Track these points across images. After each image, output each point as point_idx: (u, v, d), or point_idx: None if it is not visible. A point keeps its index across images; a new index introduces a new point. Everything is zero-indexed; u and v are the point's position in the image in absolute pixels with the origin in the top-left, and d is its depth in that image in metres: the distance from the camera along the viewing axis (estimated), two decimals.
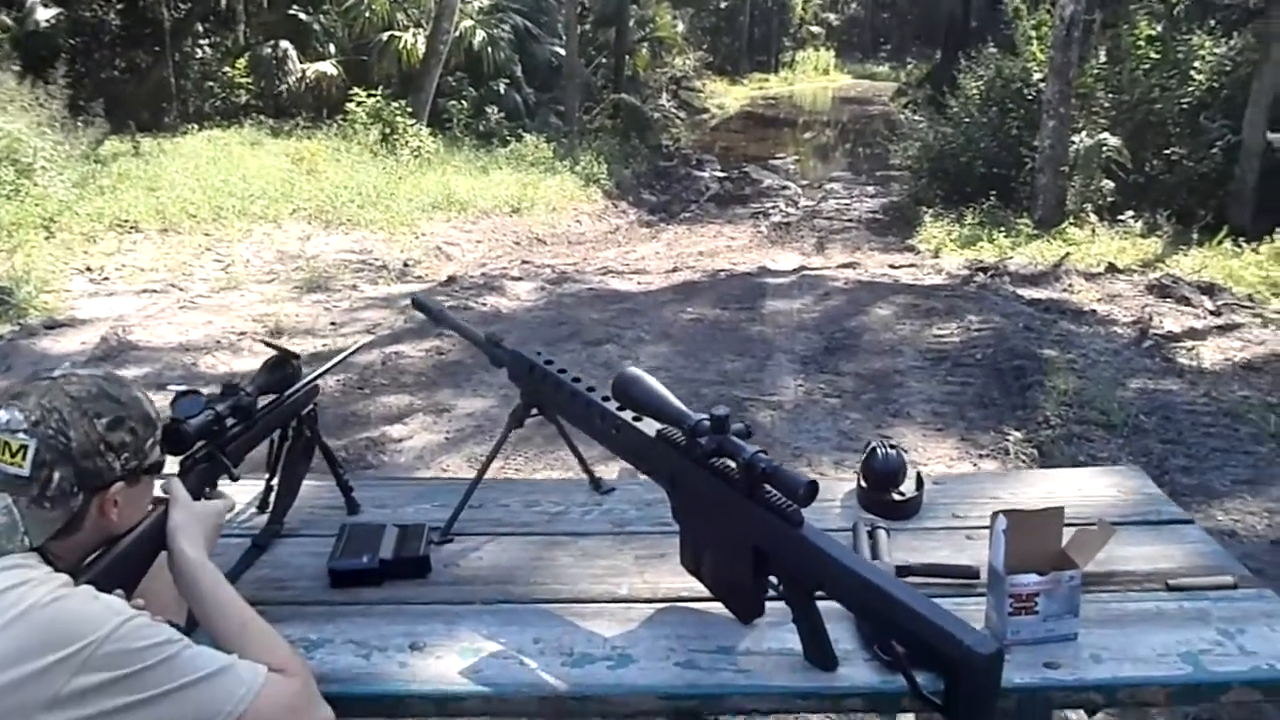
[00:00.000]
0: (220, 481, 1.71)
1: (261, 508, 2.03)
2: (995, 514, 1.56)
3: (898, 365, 6.08)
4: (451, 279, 8.48)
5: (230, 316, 6.83)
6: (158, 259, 8.66)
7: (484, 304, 7.35)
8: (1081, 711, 1.73)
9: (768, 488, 1.50)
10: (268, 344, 2.00)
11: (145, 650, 1.27)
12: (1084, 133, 12.78)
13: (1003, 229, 11.66)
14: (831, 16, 47.53)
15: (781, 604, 1.57)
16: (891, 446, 2.05)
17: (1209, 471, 4.39)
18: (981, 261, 9.83)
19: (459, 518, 1.96)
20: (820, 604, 1.52)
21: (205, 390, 1.74)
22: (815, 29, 46.50)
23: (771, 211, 15.62)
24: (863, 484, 2.03)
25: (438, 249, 10.37)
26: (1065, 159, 12.29)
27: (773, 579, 1.56)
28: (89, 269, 8.16)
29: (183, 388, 1.77)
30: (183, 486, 1.57)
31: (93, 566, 1.43)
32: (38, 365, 5.79)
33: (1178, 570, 1.76)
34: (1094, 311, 7.44)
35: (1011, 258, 10.05)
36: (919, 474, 2.05)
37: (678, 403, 1.61)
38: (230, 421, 1.72)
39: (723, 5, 38.40)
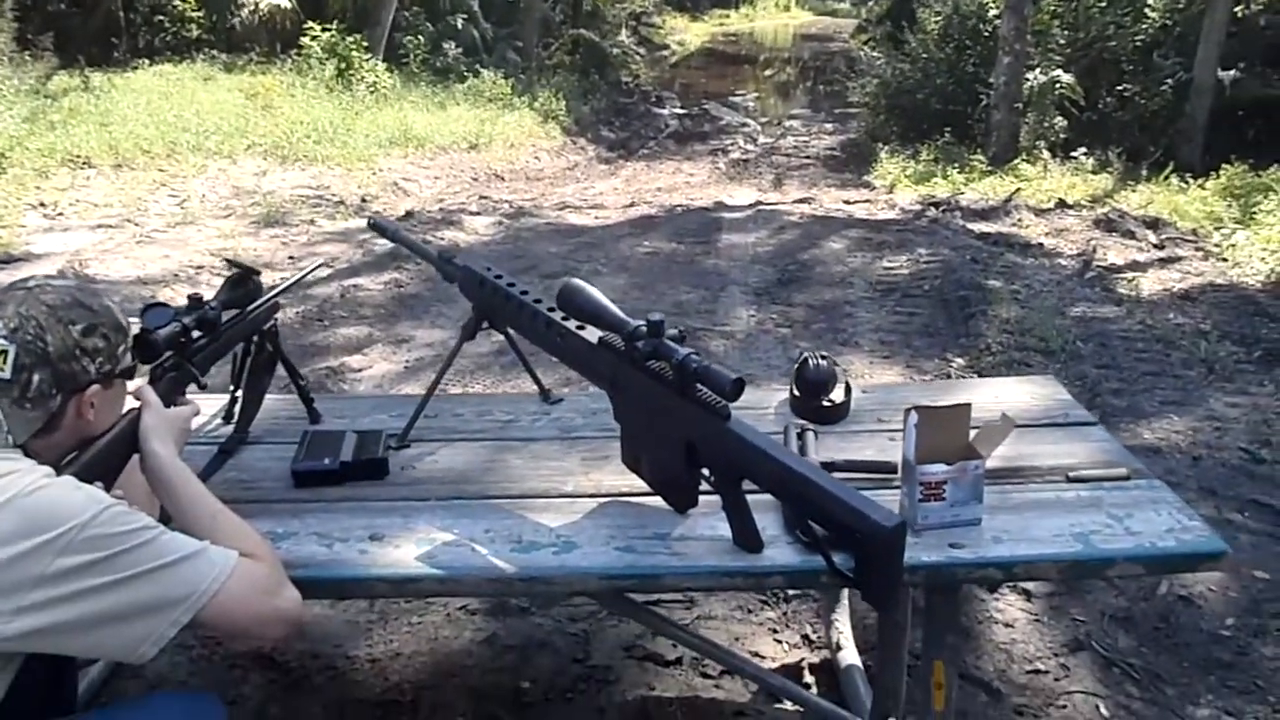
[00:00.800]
0: (188, 391, 1.82)
1: (227, 419, 2.14)
2: (907, 410, 1.70)
3: (848, 296, 6.23)
4: (409, 214, 8.51)
5: (187, 251, 6.84)
6: (112, 195, 8.61)
7: (441, 238, 7.42)
8: (1005, 598, 1.88)
9: (699, 386, 1.63)
10: (230, 262, 2.09)
11: (124, 535, 1.38)
12: (1039, 70, 12.90)
13: (957, 165, 11.81)
14: None
15: (714, 498, 1.71)
16: (822, 357, 2.19)
17: (1139, 394, 4.58)
18: (934, 197, 9.98)
19: (415, 426, 2.08)
20: (749, 497, 1.66)
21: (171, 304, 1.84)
22: None
23: (730, 148, 15.67)
24: (795, 392, 2.17)
25: (395, 185, 10.37)
26: (1020, 96, 12.43)
27: (705, 471, 1.70)
28: (42, 204, 8.10)
29: (140, 321, 1.87)
30: (154, 392, 1.67)
31: (72, 463, 1.53)
32: None
33: (1078, 465, 1.91)
34: (1041, 245, 7.61)
35: (964, 193, 10.21)
36: (847, 383, 2.19)
37: (618, 311, 1.73)
38: (196, 334, 1.81)
39: None
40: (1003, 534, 1.69)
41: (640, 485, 1.82)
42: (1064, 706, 2.61)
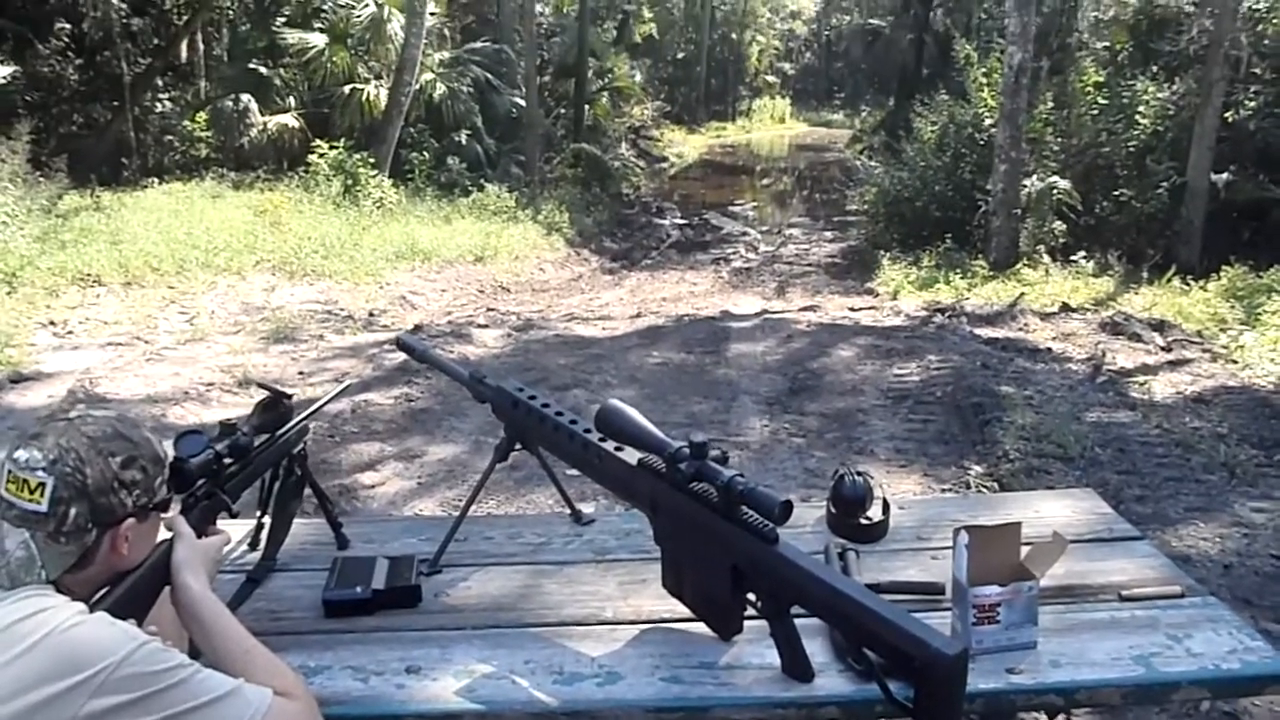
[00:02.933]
0: (219, 518, 1.78)
1: (253, 545, 2.09)
2: (957, 530, 1.66)
3: (860, 404, 6.21)
4: (418, 327, 8.55)
5: (197, 368, 6.85)
6: (122, 312, 8.66)
7: (451, 352, 7.42)
8: (1044, 715, 1.82)
9: (744, 509, 1.59)
10: (261, 385, 2.07)
11: (159, 674, 1.34)
12: (1035, 176, 13.11)
13: (959, 271, 11.91)
14: (786, 66, 48.38)
15: (759, 622, 1.66)
16: (858, 473, 2.15)
17: (1163, 500, 4.53)
18: (939, 303, 10.04)
19: (446, 550, 2.03)
20: (796, 620, 1.61)
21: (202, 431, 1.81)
22: (770, 78, 47.28)
23: (732, 257, 15.84)
24: (832, 509, 2.13)
25: (402, 298, 10.44)
26: (1018, 202, 12.59)
27: (750, 596, 1.65)
28: (52, 323, 8.14)
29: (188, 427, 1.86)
30: (186, 523, 1.64)
31: (105, 599, 1.49)
32: (4, 419, 5.79)
33: (1129, 582, 1.86)
34: (1049, 349, 7.62)
35: (968, 298, 10.27)
36: (885, 500, 2.15)
37: (658, 432, 1.71)
38: (228, 460, 1.79)
39: (679, 56, 39.04)
40: (1060, 657, 1.64)
41: (681, 610, 1.77)
42: None
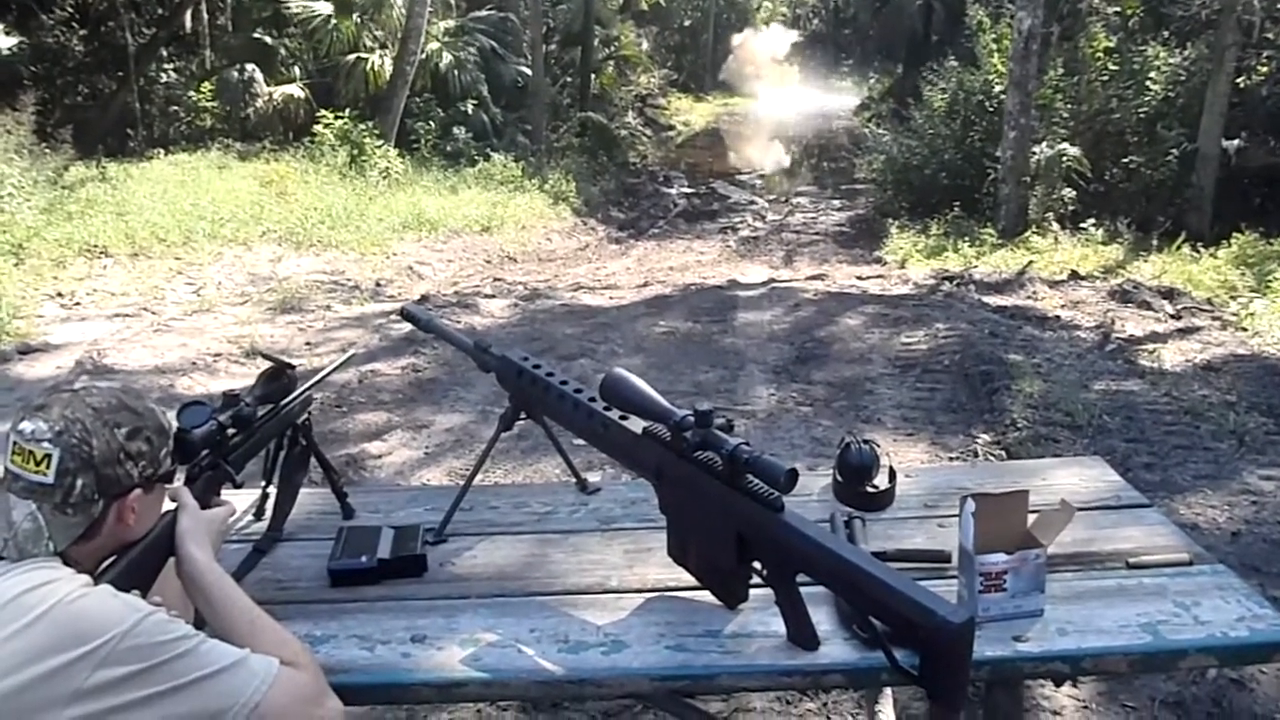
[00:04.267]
0: (223, 489, 1.78)
1: (258, 515, 2.09)
2: (964, 498, 1.65)
3: (868, 373, 6.19)
4: (424, 298, 8.54)
5: (204, 339, 6.85)
6: (129, 283, 8.65)
7: (458, 322, 7.41)
8: (1050, 683, 1.81)
9: (750, 477, 1.58)
10: (264, 355, 2.06)
11: (164, 644, 1.34)
12: (1045, 143, 13.01)
13: (967, 239, 11.85)
14: (794, 33, 47.98)
15: (764, 591, 1.65)
16: (864, 442, 2.14)
17: (1171, 468, 4.51)
18: (947, 271, 10.00)
19: (451, 520, 2.03)
20: (801, 589, 1.61)
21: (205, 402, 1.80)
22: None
23: (739, 226, 15.78)
24: (838, 478, 2.12)
25: (409, 268, 10.43)
26: (1027, 169, 12.51)
27: (756, 564, 1.65)
28: (60, 294, 8.14)
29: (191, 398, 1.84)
30: (190, 494, 1.64)
31: (109, 570, 1.49)
32: (13, 390, 5.80)
33: (1137, 550, 1.86)
34: (1058, 317, 7.58)
35: (976, 266, 10.23)
36: (891, 468, 2.14)
37: (663, 401, 1.70)
38: (232, 431, 1.78)
39: (686, 23, 38.71)
40: (1067, 625, 1.63)
41: (687, 579, 1.77)
42: None
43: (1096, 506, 2.04)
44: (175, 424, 1.66)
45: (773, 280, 9.88)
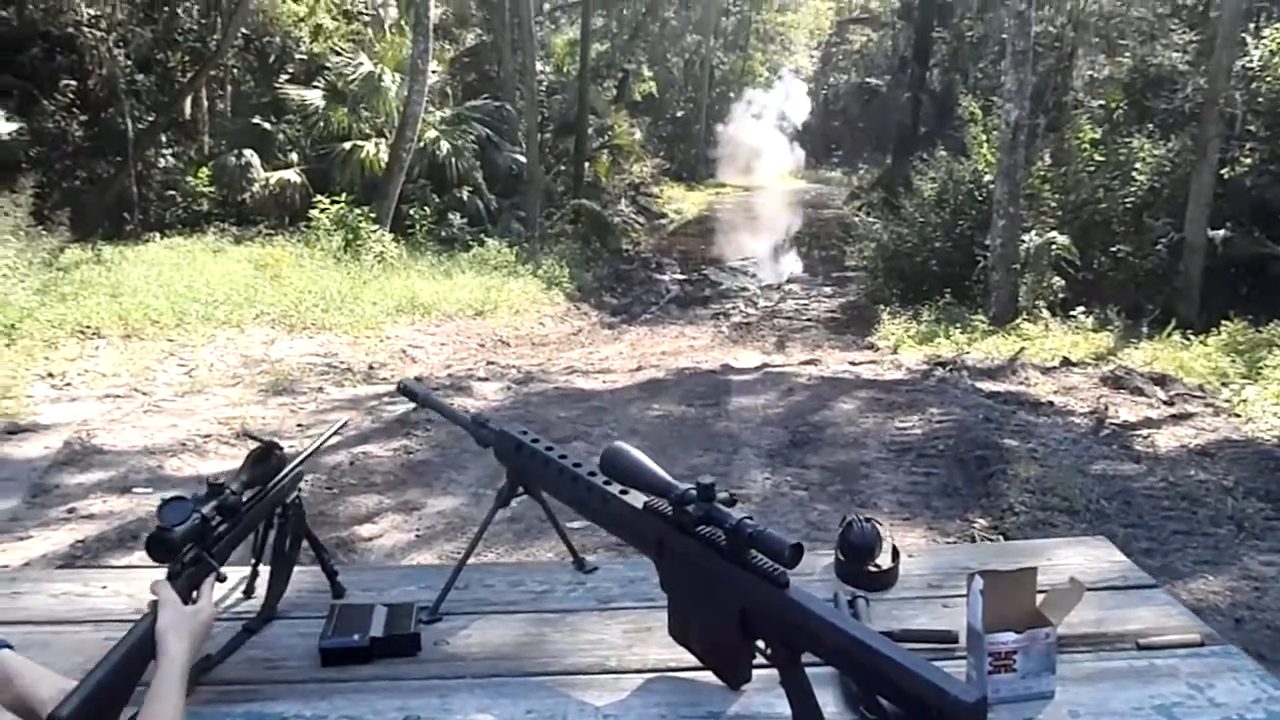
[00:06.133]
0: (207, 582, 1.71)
1: (247, 593, 2.04)
2: (971, 574, 1.62)
3: (863, 457, 6.17)
4: (418, 380, 8.51)
5: (195, 420, 6.81)
6: (120, 364, 8.63)
7: (452, 404, 7.37)
8: None
9: (754, 552, 1.55)
10: (251, 436, 2.02)
11: None
12: (1034, 232, 13.17)
13: (959, 325, 11.92)
14: (784, 124, 48.81)
15: (768, 672, 1.61)
16: (866, 520, 2.11)
17: (1171, 553, 4.47)
18: (940, 356, 10.03)
19: (446, 598, 1.98)
20: (806, 669, 1.56)
21: (189, 492, 1.75)
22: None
23: (731, 312, 15.87)
24: (840, 557, 2.08)
25: (402, 351, 10.43)
26: (1016, 257, 12.64)
27: (760, 643, 1.60)
28: (50, 375, 8.12)
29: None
30: (170, 588, 1.58)
31: (86, 680, 1.42)
32: (1, 469, 5.74)
33: (1147, 630, 1.81)
34: (1051, 403, 7.59)
35: (969, 353, 10.27)
36: (895, 547, 2.10)
37: (664, 474, 1.67)
38: (217, 520, 1.71)
39: (679, 114, 39.39)
40: (1079, 708, 1.59)
41: (688, 659, 1.72)
42: None
43: (1104, 587, 2.00)
44: (156, 521, 1.61)
45: (766, 365, 9.90)
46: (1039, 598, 1.66)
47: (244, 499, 1.79)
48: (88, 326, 9.57)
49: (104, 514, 5.08)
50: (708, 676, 1.69)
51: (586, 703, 1.64)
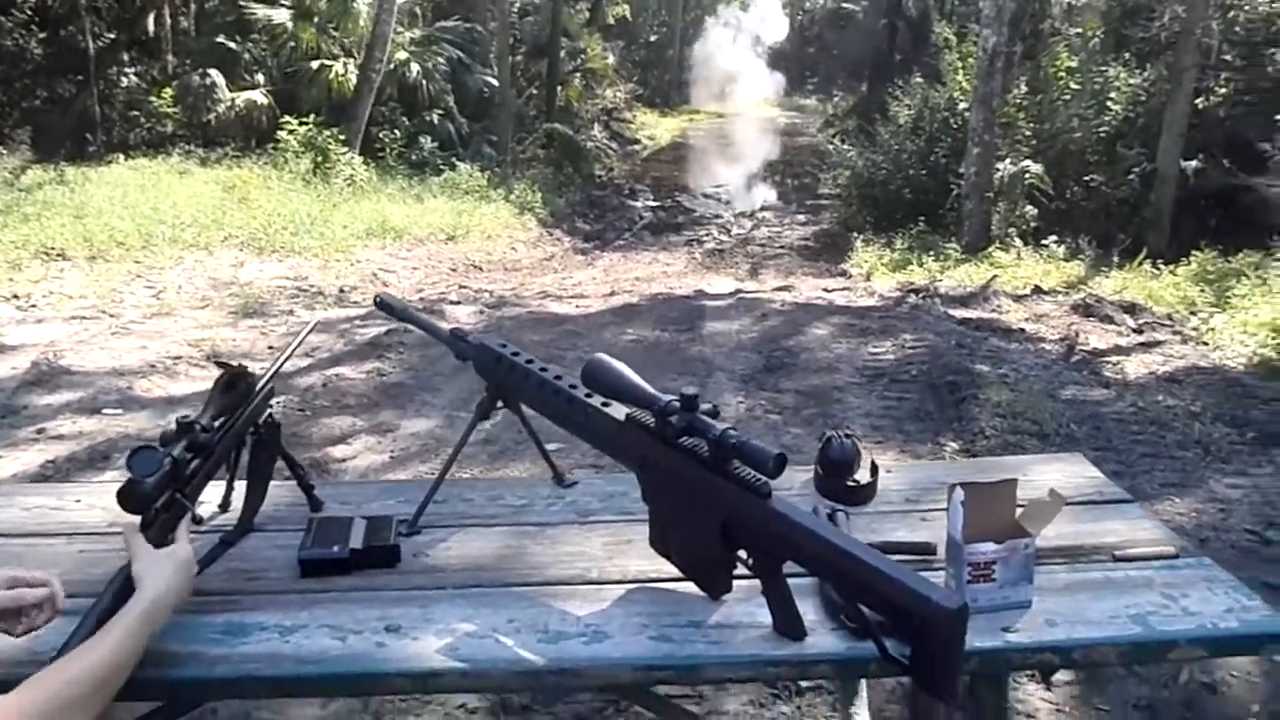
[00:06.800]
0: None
1: (223, 506, 2.02)
2: (951, 486, 1.62)
3: (836, 382, 6.19)
4: None
5: (164, 341, 6.73)
6: (87, 286, 8.51)
7: None
8: (1025, 689, 1.78)
9: (736, 463, 1.55)
10: (218, 363, 1.98)
11: None
12: (1008, 160, 13.14)
13: (932, 253, 11.94)
14: (758, 49, 48.27)
15: (748, 582, 1.62)
16: (846, 436, 2.11)
17: (1139, 475, 4.53)
18: (913, 284, 10.05)
19: (424, 512, 1.98)
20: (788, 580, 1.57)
21: (160, 422, 1.71)
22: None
23: (705, 239, 15.80)
24: (819, 471, 2.09)
25: (374, 275, 10.33)
26: (990, 186, 12.62)
27: (742, 553, 1.61)
28: (15, 296, 7.99)
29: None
30: (140, 537, 1.54)
31: (74, 636, 1.40)
32: None
33: (1123, 543, 1.84)
34: (1023, 330, 7.63)
35: (941, 280, 10.29)
36: (873, 462, 2.11)
37: (647, 386, 1.66)
38: (188, 459, 1.67)
39: (652, 38, 38.85)
40: (1056, 617, 1.61)
41: (669, 570, 1.73)
42: None
43: (1080, 501, 2.02)
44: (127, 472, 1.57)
45: (739, 291, 9.88)
46: (1018, 510, 1.67)
47: (214, 432, 1.76)
48: (52, 248, 9.41)
49: (73, 434, 5.03)
50: (689, 587, 1.70)
51: (568, 612, 1.65)
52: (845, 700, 2.68)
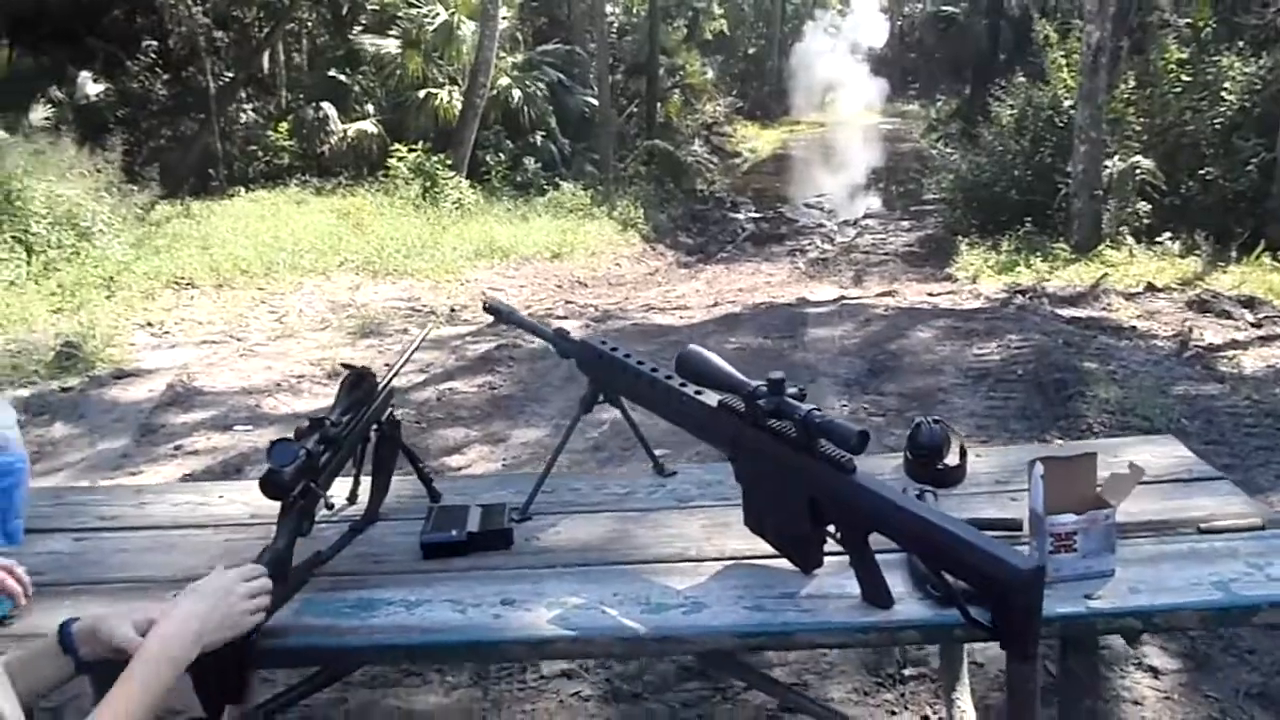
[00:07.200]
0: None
1: (351, 499, 2.19)
2: (1032, 461, 1.69)
3: (940, 384, 6.18)
4: (497, 316, 8.69)
5: (288, 362, 7.06)
6: (214, 312, 8.95)
7: (531, 342, 7.54)
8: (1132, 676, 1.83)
9: (822, 441, 1.64)
10: (344, 365, 2.16)
11: None
12: (1117, 157, 12.85)
13: (1039, 254, 11.74)
14: (859, 57, 47.92)
15: (839, 558, 1.71)
16: (935, 422, 2.19)
17: (1253, 469, 4.46)
18: (1019, 285, 9.92)
19: (534, 500, 2.11)
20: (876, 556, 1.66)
21: (292, 429, 1.86)
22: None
23: (808, 248, 15.80)
24: (909, 456, 2.16)
25: (483, 294, 10.61)
26: (1099, 183, 12.36)
27: (830, 528, 1.70)
28: (149, 323, 8.45)
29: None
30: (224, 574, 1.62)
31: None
32: (109, 412, 6.04)
33: (1209, 517, 1.87)
34: (1134, 327, 7.50)
35: (1049, 281, 10.13)
36: (962, 446, 2.18)
37: (736, 373, 1.77)
38: (320, 451, 1.82)
39: (751, 51, 38.87)
40: (1139, 584, 1.66)
41: (764, 549, 1.83)
42: None
43: (1169, 480, 2.06)
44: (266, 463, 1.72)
45: (843, 298, 9.89)
46: (1099, 483, 1.73)
47: (342, 426, 1.92)
48: (181, 278, 9.91)
49: (208, 449, 5.34)
50: (782, 563, 1.80)
51: (669, 586, 1.76)
52: (948, 687, 2.73)
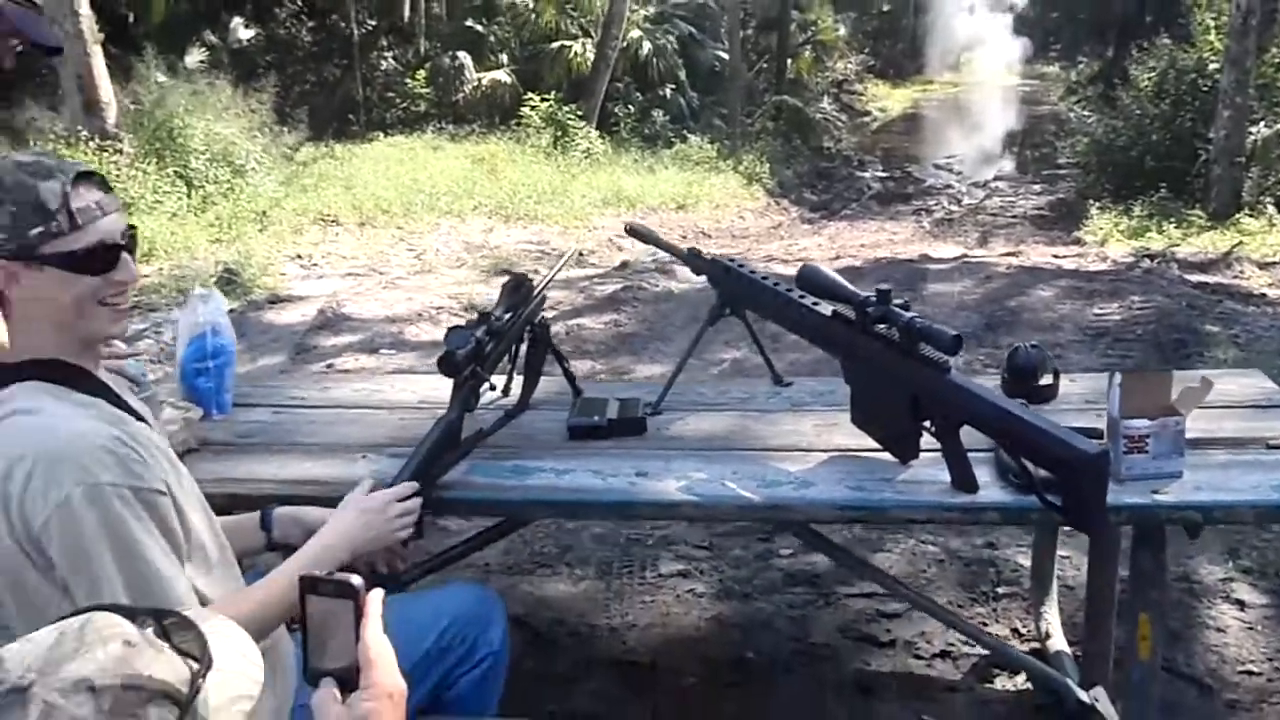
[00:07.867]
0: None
1: (505, 392, 2.50)
2: (1111, 373, 1.90)
3: (1057, 339, 6.26)
4: (625, 264, 9.01)
5: (428, 295, 7.49)
6: (358, 248, 9.49)
7: (656, 285, 7.83)
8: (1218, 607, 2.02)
9: (922, 344, 1.88)
10: (506, 271, 2.46)
11: None
12: (1263, 123, 12.47)
13: (1173, 220, 11.51)
14: (998, 16, 46.60)
15: (933, 453, 1.95)
16: (1032, 346, 2.39)
17: None
18: (1148, 249, 9.79)
19: (665, 398, 2.40)
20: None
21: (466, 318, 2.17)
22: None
23: (934, 208, 15.70)
24: (1005, 377, 2.37)
25: (610, 240, 10.94)
26: (1242, 150, 12.03)
27: (927, 424, 1.94)
28: (299, 255, 9.01)
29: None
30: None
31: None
32: (266, 333, 6.55)
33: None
34: (1264, 295, 7.41)
35: (1180, 247, 9.98)
36: (1056, 369, 2.38)
37: (850, 286, 2.02)
38: (486, 340, 2.12)
39: (885, 8, 38.20)
40: (1203, 484, 1.86)
41: (868, 444, 2.07)
42: (1278, 704, 2.68)
43: (1248, 405, 2.23)
44: (445, 345, 2.00)
45: (965, 256, 9.91)
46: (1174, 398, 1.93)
47: (505, 321, 2.23)
48: (327, 215, 10.50)
49: (356, 369, 5.77)
50: (884, 456, 2.05)
51: (782, 469, 2.03)
52: (1036, 604, 2.95)
